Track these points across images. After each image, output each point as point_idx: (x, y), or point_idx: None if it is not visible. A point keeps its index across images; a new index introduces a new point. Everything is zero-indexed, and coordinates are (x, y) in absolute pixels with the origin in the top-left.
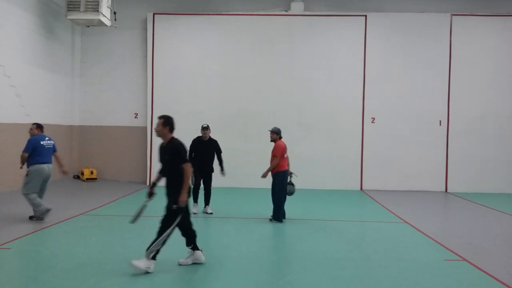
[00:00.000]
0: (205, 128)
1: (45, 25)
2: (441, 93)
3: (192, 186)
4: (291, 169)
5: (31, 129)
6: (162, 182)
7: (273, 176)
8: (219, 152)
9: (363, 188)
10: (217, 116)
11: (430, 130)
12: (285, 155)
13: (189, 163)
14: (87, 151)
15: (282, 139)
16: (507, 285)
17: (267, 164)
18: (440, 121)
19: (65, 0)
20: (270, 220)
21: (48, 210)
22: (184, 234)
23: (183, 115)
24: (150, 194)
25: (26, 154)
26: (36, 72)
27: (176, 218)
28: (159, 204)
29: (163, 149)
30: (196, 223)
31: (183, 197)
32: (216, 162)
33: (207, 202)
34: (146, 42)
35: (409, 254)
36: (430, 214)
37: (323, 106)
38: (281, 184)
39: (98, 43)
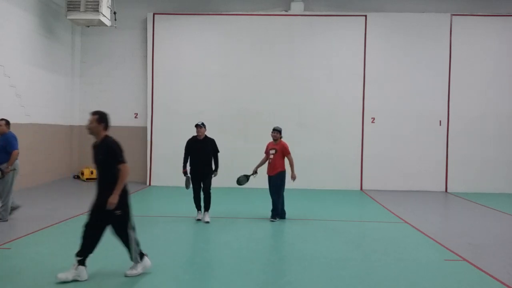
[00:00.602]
0: (199, 126)
1: (45, 25)
2: (441, 93)
3: (190, 189)
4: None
5: (0, 125)
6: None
7: (276, 175)
8: (216, 152)
9: (363, 188)
10: (217, 116)
11: (430, 130)
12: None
13: (126, 164)
14: (87, 151)
15: (282, 139)
16: (507, 285)
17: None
18: (440, 121)
19: (65, 0)
20: (272, 221)
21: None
22: (88, 237)
23: (183, 115)
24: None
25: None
26: (36, 72)
27: (125, 219)
28: (155, 203)
29: (96, 148)
30: (196, 223)
31: (113, 198)
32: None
33: (206, 207)
34: (146, 42)
35: (409, 254)
36: (430, 214)
37: (323, 106)
38: (283, 182)
39: (98, 43)
